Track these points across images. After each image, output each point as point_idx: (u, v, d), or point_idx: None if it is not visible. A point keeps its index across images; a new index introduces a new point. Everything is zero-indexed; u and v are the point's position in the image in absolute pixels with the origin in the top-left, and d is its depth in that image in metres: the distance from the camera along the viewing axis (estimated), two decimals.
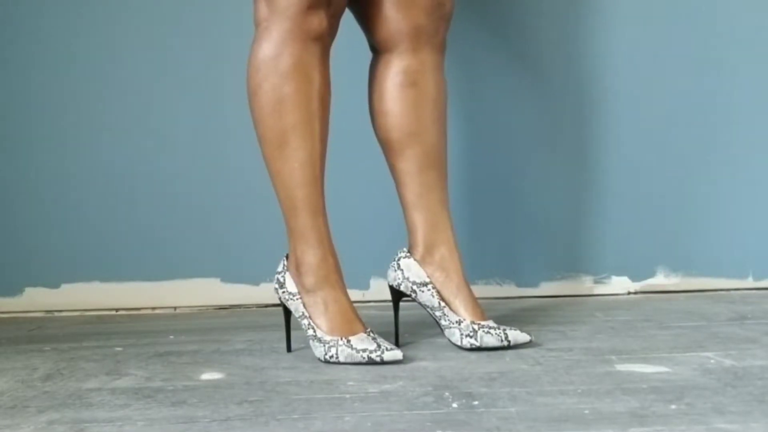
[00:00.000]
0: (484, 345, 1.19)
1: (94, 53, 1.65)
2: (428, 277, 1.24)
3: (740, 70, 1.66)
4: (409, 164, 1.25)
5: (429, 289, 1.24)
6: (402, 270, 1.26)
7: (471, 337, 1.20)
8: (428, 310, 1.25)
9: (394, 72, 1.24)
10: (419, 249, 1.26)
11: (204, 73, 1.65)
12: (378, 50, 1.26)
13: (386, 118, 1.26)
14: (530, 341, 1.21)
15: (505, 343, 1.19)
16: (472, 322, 1.21)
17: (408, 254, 1.27)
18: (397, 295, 1.28)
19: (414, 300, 1.27)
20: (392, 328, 1.36)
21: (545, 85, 1.66)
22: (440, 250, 1.25)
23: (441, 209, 1.27)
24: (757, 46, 1.66)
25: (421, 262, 1.25)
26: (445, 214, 1.27)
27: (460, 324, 1.22)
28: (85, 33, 1.65)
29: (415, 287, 1.25)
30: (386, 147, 1.27)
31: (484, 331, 1.20)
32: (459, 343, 1.21)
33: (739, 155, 1.67)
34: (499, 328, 1.20)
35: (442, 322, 1.24)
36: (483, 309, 1.24)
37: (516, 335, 1.20)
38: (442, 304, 1.23)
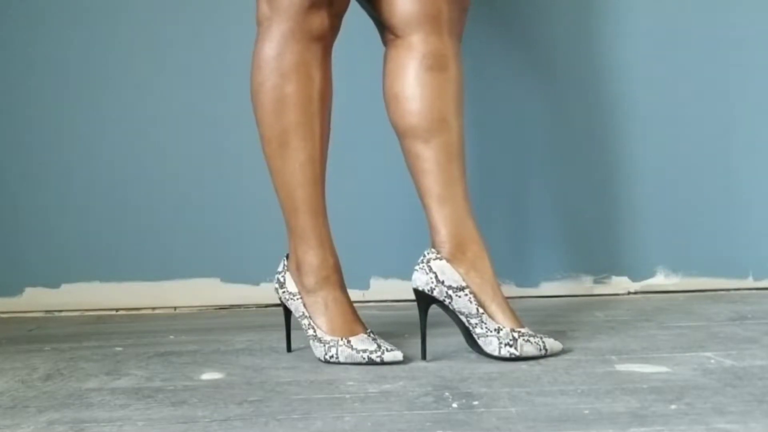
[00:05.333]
0: (523, 354, 1.13)
1: (94, 53, 1.65)
2: (463, 279, 1.15)
3: (745, 72, 1.66)
4: (435, 153, 1.16)
5: (466, 294, 1.14)
6: (435, 273, 1.14)
7: (511, 346, 1.13)
8: (462, 317, 1.15)
9: (421, 55, 1.16)
10: (447, 246, 1.16)
11: (205, 73, 1.65)
12: (397, 35, 1.18)
13: (410, 103, 1.17)
14: (562, 350, 1.17)
15: (543, 352, 1.14)
16: (512, 330, 1.14)
17: (438, 255, 1.16)
18: (428, 301, 1.16)
19: (442, 306, 1.16)
20: (392, 329, 1.36)
21: (550, 86, 1.66)
22: (471, 247, 1.16)
23: (466, 204, 1.18)
24: (763, 49, 1.66)
25: (452, 261, 1.15)
26: (469, 210, 1.18)
27: (498, 332, 1.14)
28: (84, 33, 1.65)
29: (451, 292, 1.14)
30: (408, 134, 1.18)
31: (524, 339, 1.13)
32: (496, 353, 1.13)
33: (739, 155, 1.67)
34: (536, 336, 1.15)
35: (478, 330, 1.14)
36: (517, 313, 1.17)
37: (552, 344, 1.16)
38: (481, 310, 1.14)
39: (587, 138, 1.66)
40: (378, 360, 1.13)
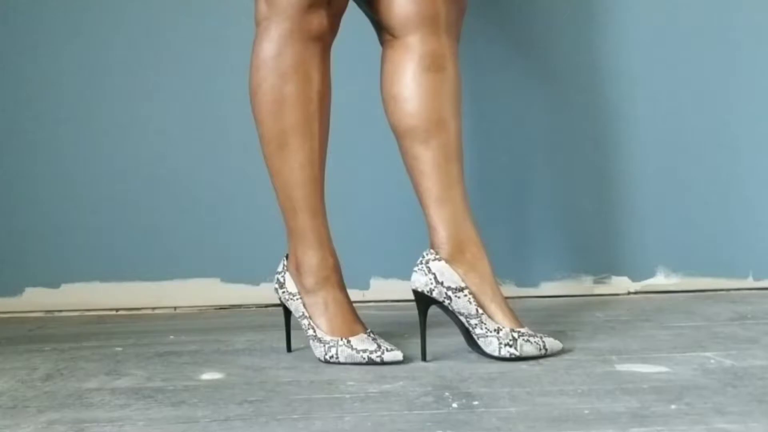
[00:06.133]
0: (523, 354, 1.13)
1: (94, 53, 1.65)
2: (462, 280, 1.14)
3: (745, 73, 1.66)
4: (434, 154, 1.16)
5: (465, 295, 1.13)
6: (434, 274, 1.14)
7: (510, 346, 1.13)
8: (461, 317, 1.15)
9: (418, 56, 1.15)
10: (446, 247, 1.15)
11: (204, 73, 1.65)
12: (394, 35, 1.17)
13: (408, 103, 1.16)
14: (562, 349, 1.17)
15: (543, 351, 1.14)
16: (512, 330, 1.14)
17: (437, 256, 1.16)
18: (427, 302, 1.15)
19: (441, 307, 1.16)
20: (392, 329, 1.36)
21: (550, 86, 1.66)
22: (470, 248, 1.15)
23: (465, 205, 1.17)
24: (763, 50, 1.66)
25: (451, 262, 1.15)
26: (469, 211, 1.18)
27: (498, 332, 1.13)
28: (84, 32, 1.65)
29: (450, 293, 1.14)
30: (406, 135, 1.17)
31: (523, 339, 1.13)
32: (496, 353, 1.13)
33: (739, 155, 1.67)
34: (536, 336, 1.15)
35: (477, 330, 1.14)
36: (516, 313, 1.17)
37: (552, 343, 1.16)
38: (480, 311, 1.14)
39: (587, 138, 1.66)
40: (378, 360, 1.13)
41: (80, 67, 1.65)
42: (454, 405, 0.95)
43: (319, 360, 1.17)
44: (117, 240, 1.66)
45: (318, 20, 1.15)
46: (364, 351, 1.14)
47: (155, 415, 0.95)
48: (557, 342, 1.17)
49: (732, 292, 1.65)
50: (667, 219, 1.67)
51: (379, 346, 1.14)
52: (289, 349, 1.25)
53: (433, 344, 1.22)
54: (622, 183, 1.67)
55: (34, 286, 1.67)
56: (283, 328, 1.25)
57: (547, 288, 1.67)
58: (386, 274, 1.65)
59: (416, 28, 1.16)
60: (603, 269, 1.67)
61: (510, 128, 1.66)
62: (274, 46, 1.15)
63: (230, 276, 1.67)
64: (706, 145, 1.66)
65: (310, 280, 1.19)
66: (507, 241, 1.65)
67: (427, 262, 1.15)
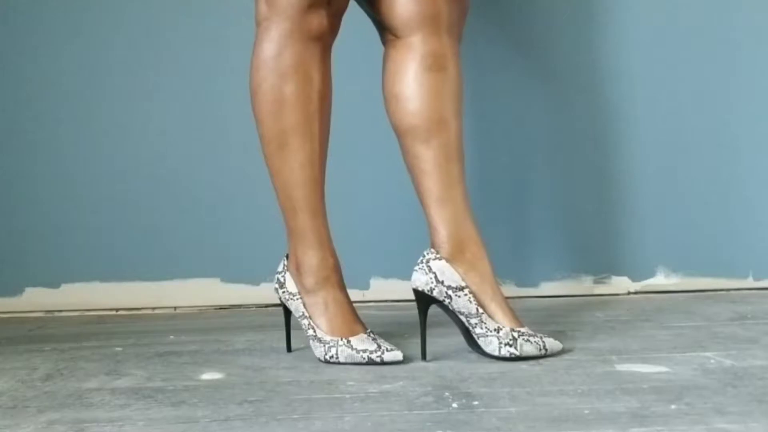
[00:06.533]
0: (523, 354, 1.13)
1: (94, 53, 1.65)
2: (463, 279, 1.15)
3: (745, 73, 1.66)
4: (435, 153, 1.16)
5: (466, 294, 1.14)
6: (435, 273, 1.14)
7: (510, 345, 1.13)
8: (461, 316, 1.15)
9: (420, 55, 1.16)
10: (446, 247, 1.15)
11: (204, 73, 1.65)
12: (396, 35, 1.17)
13: (409, 103, 1.16)
14: (562, 349, 1.17)
15: (543, 351, 1.14)
16: (512, 330, 1.14)
17: (438, 255, 1.16)
18: (428, 301, 1.16)
19: (442, 306, 1.16)
20: (392, 329, 1.36)
21: (550, 86, 1.66)
22: (470, 248, 1.16)
23: (465, 204, 1.18)
24: (763, 50, 1.66)
25: (451, 261, 1.15)
26: (469, 210, 1.18)
27: (498, 332, 1.14)
28: (84, 32, 1.65)
29: (450, 292, 1.14)
30: (407, 134, 1.17)
31: (523, 339, 1.14)
32: (496, 353, 1.13)
33: (739, 155, 1.67)
34: (536, 336, 1.15)
35: (477, 330, 1.14)
36: (516, 313, 1.17)
37: (552, 343, 1.16)
38: (480, 310, 1.14)
39: (587, 138, 1.66)
40: (378, 360, 1.13)
41: (80, 67, 1.65)
42: (454, 405, 0.95)
43: (319, 360, 1.17)
44: (117, 240, 1.66)
45: (318, 20, 1.15)
46: (364, 351, 1.14)
47: (155, 415, 0.95)
48: (557, 342, 1.17)
49: (732, 292, 1.65)
50: (667, 219, 1.67)
51: (379, 346, 1.14)
52: (289, 349, 1.25)
53: (433, 344, 1.22)
54: (622, 183, 1.67)
55: (34, 286, 1.67)
56: (283, 328, 1.25)
57: (547, 288, 1.67)
58: (386, 274, 1.65)
59: (418, 28, 1.16)
60: (603, 269, 1.67)
61: (510, 128, 1.66)
62: (274, 46, 1.15)
63: (230, 276, 1.67)
64: (706, 145, 1.67)
65: (310, 280, 1.19)
66: (507, 241, 1.66)
67: (427, 261, 1.15)
